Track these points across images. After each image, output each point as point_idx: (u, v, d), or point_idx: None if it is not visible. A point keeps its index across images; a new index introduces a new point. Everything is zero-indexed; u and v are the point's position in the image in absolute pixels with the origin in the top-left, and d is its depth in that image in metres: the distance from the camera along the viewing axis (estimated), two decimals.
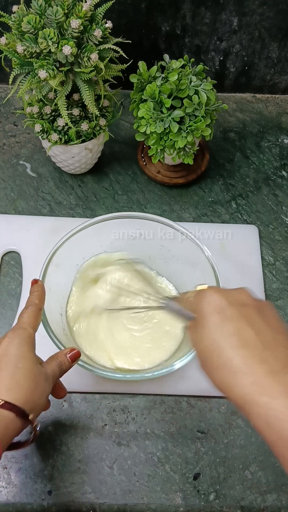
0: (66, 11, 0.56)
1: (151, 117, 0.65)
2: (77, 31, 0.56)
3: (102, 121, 0.68)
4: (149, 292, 0.60)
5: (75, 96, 0.67)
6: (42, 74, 0.57)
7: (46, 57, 0.58)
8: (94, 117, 0.67)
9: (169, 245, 0.63)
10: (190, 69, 0.67)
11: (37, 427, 0.43)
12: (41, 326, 0.50)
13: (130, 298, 0.62)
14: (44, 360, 0.48)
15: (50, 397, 0.47)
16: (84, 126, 0.66)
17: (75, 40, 0.57)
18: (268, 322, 0.38)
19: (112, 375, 0.52)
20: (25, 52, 0.57)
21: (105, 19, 0.61)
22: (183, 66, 0.67)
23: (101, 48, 0.59)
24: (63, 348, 0.51)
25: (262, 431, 0.34)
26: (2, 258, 0.70)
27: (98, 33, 0.58)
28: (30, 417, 0.41)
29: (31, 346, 0.46)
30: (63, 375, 0.48)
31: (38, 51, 0.57)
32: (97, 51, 0.58)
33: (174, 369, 0.51)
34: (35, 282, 0.53)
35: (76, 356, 0.49)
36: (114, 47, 0.60)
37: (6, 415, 0.40)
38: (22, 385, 0.42)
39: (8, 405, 0.40)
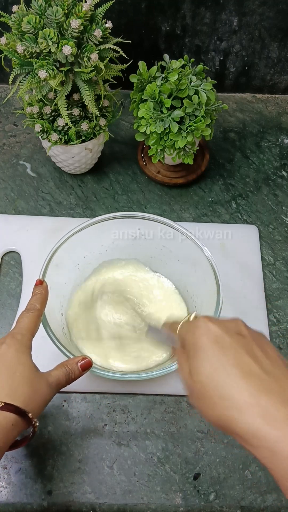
0: (66, 11, 0.56)
1: (151, 117, 0.65)
2: (77, 31, 0.56)
3: (102, 121, 0.68)
4: (134, 321, 0.62)
5: (75, 96, 0.67)
6: (42, 74, 0.57)
7: (46, 57, 0.58)
8: (94, 117, 0.67)
9: (170, 245, 0.63)
10: (190, 69, 0.67)
11: (36, 424, 0.43)
12: (40, 326, 0.50)
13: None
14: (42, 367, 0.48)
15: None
16: (84, 126, 0.66)
17: (75, 40, 0.57)
18: (266, 352, 0.36)
19: (111, 375, 0.52)
20: (25, 52, 0.57)
21: (105, 19, 0.61)
22: (183, 66, 0.67)
23: (101, 48, 0.59)
24: (62, 348, 0.51)
25: (270, 466, 0.32)
26: (2, 258, 0.70)
27: (98, 33, 0.58)
28: (30, 415, 0.41)
29: (28, 353, 0.45)
30: (70, 383, 0.47)
31: (38, 51, 0.57)
32: (97, 51, 0.58)
33: (174, 369, 0.51)
34: (40, 283, 0.52)
35: (87, 366, 0.48)
36: (114, 47, 0.60)
37: (7, 416, 0.40)
38: (21, 392, 0.42)
39: (8, 407, 0.40)
